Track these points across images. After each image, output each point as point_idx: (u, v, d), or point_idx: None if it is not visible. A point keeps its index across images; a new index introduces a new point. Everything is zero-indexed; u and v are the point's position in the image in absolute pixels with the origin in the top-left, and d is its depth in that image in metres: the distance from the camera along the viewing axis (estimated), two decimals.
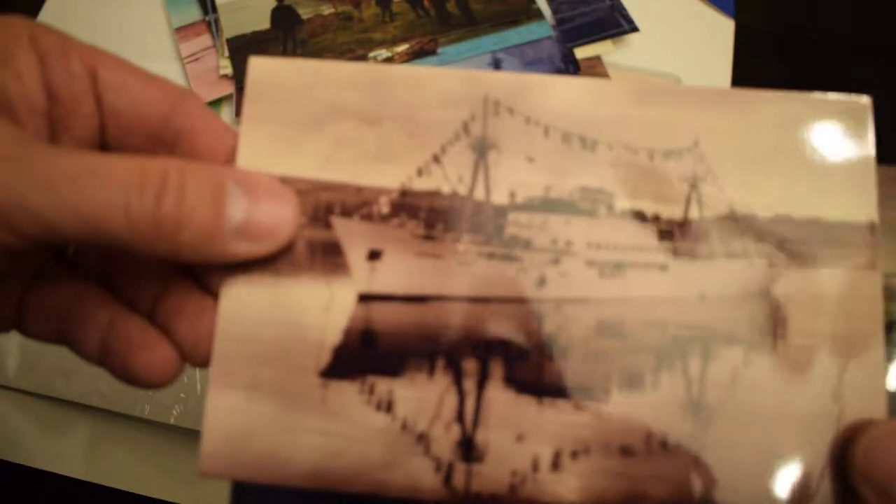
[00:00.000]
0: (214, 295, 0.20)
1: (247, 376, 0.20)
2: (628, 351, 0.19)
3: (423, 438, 0.19)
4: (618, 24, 0.45)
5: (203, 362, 0.20)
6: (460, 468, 0.19)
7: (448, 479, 0.19)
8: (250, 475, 0.19)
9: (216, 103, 0.42)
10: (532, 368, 0.19)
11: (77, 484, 0.35)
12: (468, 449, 0.19)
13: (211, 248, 0.19)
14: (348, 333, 0.20)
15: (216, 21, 0.45)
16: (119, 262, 0.22)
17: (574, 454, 0.19)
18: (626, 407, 0.19)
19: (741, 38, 0.47)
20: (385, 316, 0.20)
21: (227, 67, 0.43)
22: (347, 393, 0.19)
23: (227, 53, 0.44)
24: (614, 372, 0.19)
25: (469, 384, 0.19)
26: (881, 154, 0.21)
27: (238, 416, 0.19)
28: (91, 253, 0.22)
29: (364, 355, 0.20)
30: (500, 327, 0.20)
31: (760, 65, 0.47)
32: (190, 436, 0.36)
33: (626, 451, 0.19)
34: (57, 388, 0.36)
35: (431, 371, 0.20)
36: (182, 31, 0.45)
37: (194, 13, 0.46)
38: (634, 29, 0.45)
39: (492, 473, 0.19)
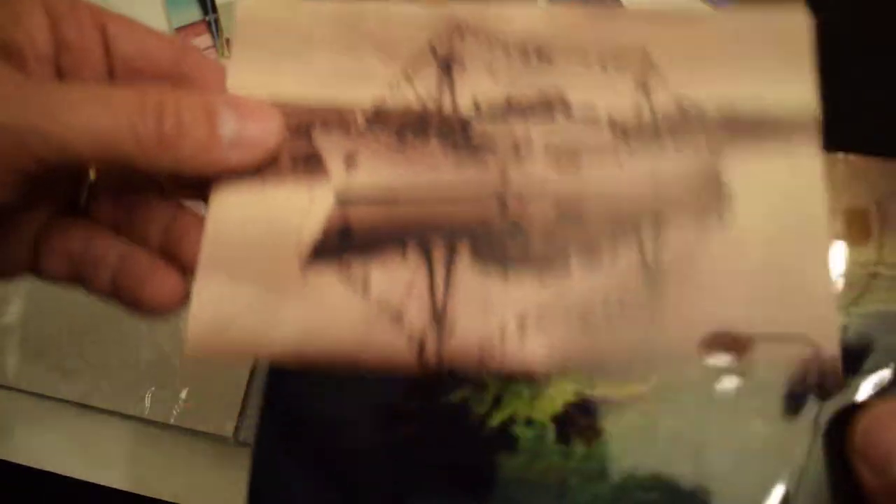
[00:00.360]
0: None
1: (232, 266, 0.22)
2: (587, 231, 0.21)
3: (396, 315, 0.21)
4: None
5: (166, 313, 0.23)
6: (431, 341, 0.21)
7: (420, 352, 0.21)
8: (234, 355, 0.22)
9: None
10: (497, 248, 0.21)
11: (77, 484, 0.35)
12: (439, 322, 0.21)
13: (208, 159, 0.21)
14: (327, 230, 0.22)
15: (216, 21, 0.45)
16: (129, 204, 0.24)
17: (538, 323, 0.21)
18: (586, 278, 0.21)
19: None
20: (360, 215, 0.22)
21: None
22: (326, 276, 0.21)
23: (227, 53, 0.44)
24: (574, 248, 0.21)
25: (438, 263, 0.21)
26: (884, 151, 0.21)
27: (222, 300, 0.21)
28: (103, 196, 0.24)
29: (341, 246, 0.22)
30: (468, 218, 0.22)
31: None
32: (190, 436, 0.36)
33: (585, 317, 0.20)
34: (57, 388, 0.36)
35: (403, 254, 0.21)
36: (182, 31, 0.45)
37: (194, 13, 0.46)
38: None
39: (461, 344, 0.21)
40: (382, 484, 0.24)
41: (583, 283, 0.21)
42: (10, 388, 0.36)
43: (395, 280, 0.21)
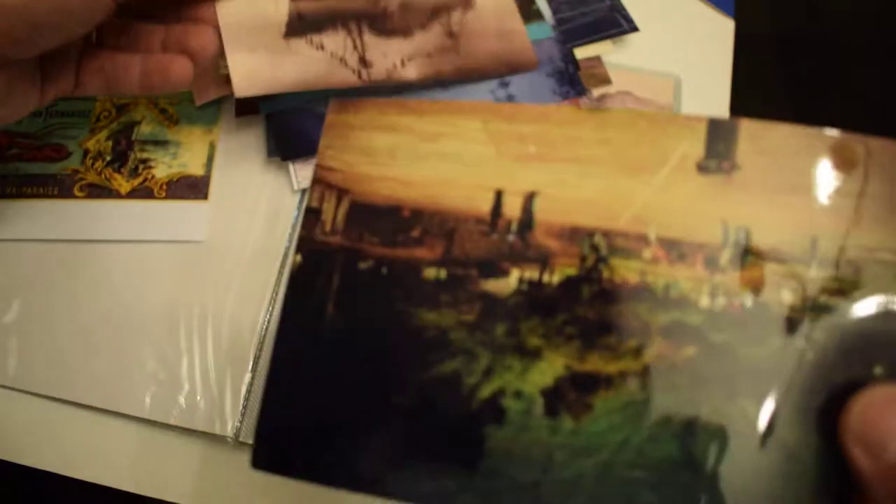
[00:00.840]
0: (205, 21, 0.37)
1: (244, 44, 0.38)
2: (417, 15, 0.42)
3: (342, 60, 0.39)
4: (618, 24, 0.45)
5: (212, 57, 0.36)
6: (364, 72, 0.39)
7: (359, 76, 0.39)
8: (262, 89, 0.38)
9: (215, 103, 0.42)
10: (379, 24, 0.41)
11: (77, 484, 0.35)
12: (364, 64, 0.40)
13: None
14: (290, 17, 0.40)
15: None
16: (130, 33, 0.36)
17: (410, 60, 0.40)
18: (424, 37, 0.42)
19: (741, 37, 0.46)
20: (307, 8, 0.40)
21: (227, 67, 0.43)
22: (300, 43, 0.39)
23: None
24: (413, 25, 0.42)
25: (355, 34, 0.40)
26: None
27: (247, 62, 0.38)
28: (110, 34, 0.36)
29: (301, 25, 0.40)
30: (363, 9, 0.41)
31: (761, 65, 0.47)
32: (190, 436, 0.36)
33: (429, 55, 0.41)
34: (57, 388, 0.36)
35: (336, 29, 0.40)
36: None
37: None
38: (634, 29, 0.45)
39: (378, 72, 0.40)
40: (373, 452, 0.23)
41: (423, 40, 0.41)
42: (10, 388, 0.36)
43: (336, 42, 0.40)
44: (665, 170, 0.23)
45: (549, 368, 0.23)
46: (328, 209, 0.25)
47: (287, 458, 0.24)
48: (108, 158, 0.41)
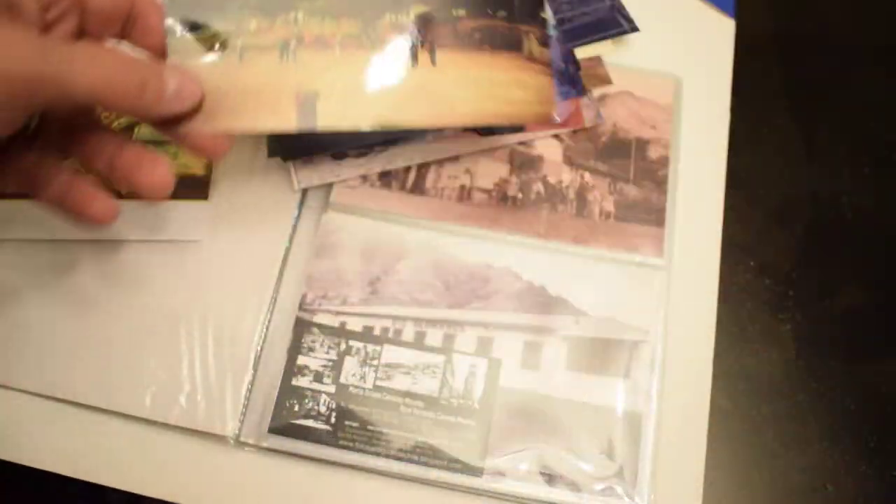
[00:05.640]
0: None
1: None
2: None
3: None
4: (618, 24, 0.45)
5: (162, 198, 0.31)
6: None
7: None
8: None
9: None
10: None
11: (77, 484, 0.35)
12: None
13: (159, 108, 0.29)
14: None
15: None
16: (76, 132, 0.31)
17: None
18: None
19: (742, 37, 0.46)
20: None
21: None
22: None
23: None
24: None
25: None
26: None
27: None
28: (52, 127, 0.31)
29: None
30: None
31: (761, 65, 0.47)
32: (190, 436, 0.36)
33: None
34: (57, 388, 0.36)
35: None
36: None
37: None
38: (635, 29, 0.45)
39: None
40: None
41: None
42: (10, 388, 0.36)
43: None
44: None
45: None
46: None
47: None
48: None
